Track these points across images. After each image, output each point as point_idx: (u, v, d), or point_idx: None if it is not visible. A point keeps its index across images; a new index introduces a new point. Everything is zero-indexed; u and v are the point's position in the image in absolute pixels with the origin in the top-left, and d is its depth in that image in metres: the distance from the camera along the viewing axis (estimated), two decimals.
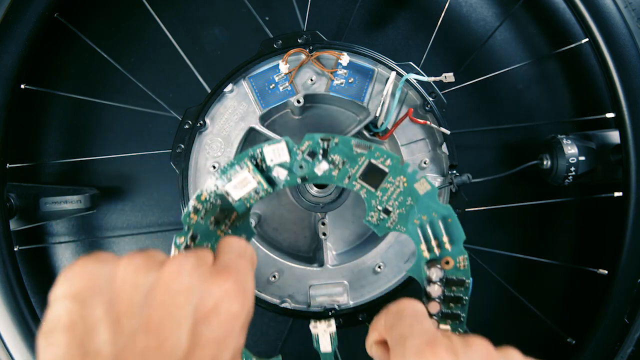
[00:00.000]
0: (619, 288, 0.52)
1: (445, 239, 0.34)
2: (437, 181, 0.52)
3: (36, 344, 0.23)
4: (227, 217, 0.34)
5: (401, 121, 0.51)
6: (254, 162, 0.34)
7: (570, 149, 0.55)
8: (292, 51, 0.50)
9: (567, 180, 0.56)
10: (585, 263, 0.57)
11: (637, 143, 0.52)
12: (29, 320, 0.50)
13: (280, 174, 0.34)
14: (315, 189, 0.51)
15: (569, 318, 0.64)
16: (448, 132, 0.50)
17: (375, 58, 0.51)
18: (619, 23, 0.53)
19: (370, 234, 0.55)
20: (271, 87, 0.51)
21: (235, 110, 0.51)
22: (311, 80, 0.51)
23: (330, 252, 0.53)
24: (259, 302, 0.50)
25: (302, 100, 0.51)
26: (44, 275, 0.63)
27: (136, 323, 0.23)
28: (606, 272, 0.54)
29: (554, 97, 0.66)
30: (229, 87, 0.50)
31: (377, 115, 0.51)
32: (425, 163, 0.52)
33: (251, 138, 0.54)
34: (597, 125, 0.61)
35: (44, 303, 0.62)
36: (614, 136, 0.56)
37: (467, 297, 0.34)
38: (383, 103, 0.51)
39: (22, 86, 0.53)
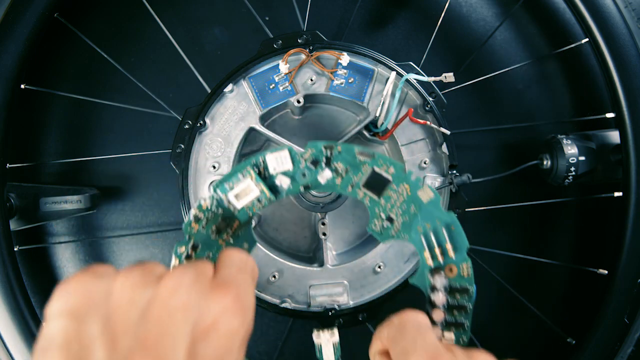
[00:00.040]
0: (619, 288, 0.52)
1: (448, 246, 0.34)
2: (437, 181, 0.52)
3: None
4: (228, 225, 0.33)
5: (401, 121, 0.51)
6: (257, 170, 0.33)
7: (570, 149, 0.55)
8: (292, 51, 0.50)
9: (567, 180, 0.56)
10: (585, 263, 0.57)
11: (637, 143, 0.52)
12: (29, 320, 0.50)
13: (283, 183, 0.34)
14: None
15: (569, 318, 0.64)
16: (448, 132, 0.50)
17: (375, 58, 0.51)
18: (619, 23, 0.53)
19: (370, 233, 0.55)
20: (271, 87, 0.51)
21: (235, 110, 0.51)
22: (311, 80, 0.51)
23: (330, 252, 0.53)
24: (259, 302, 0.50)
25: (302, 100, 0.51)
26: (44, 275, 0.63)
27: (133, 341, 0.23)
28: (606, 272, 0.54)
29: (554, 97, 0.66)
30: (229, 87, 0.50)
31: (377, 115, 0.51)
32: (425, 163, 0.52)
33: (251, 138, 0.54)
34: (597, 125, 0.61)
35: (44, 303, 0.62)
36: (614, 136, 0.56)
37: (471, 305, 0.34)
38: (383, 103, 0.51)
39: (22, 86, 0.53)
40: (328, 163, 0.33)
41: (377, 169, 0.33)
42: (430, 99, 0.51)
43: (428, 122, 0.51)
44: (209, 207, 0.33)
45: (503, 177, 0.56)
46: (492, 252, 0.60)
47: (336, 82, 0.51)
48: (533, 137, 0.64)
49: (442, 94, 0.52)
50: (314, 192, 0.51)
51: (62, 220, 0.62)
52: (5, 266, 0.50)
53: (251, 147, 0.55)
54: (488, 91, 0.65)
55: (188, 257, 0.32)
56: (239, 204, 0.33)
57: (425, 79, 0.51)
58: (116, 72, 0.60)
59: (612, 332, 0.52)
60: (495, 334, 0.64)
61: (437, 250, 0.34)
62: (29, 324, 0.50)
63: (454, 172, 0.51)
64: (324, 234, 0.52)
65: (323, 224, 0.53)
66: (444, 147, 0.51)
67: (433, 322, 0.34)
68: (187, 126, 0.51)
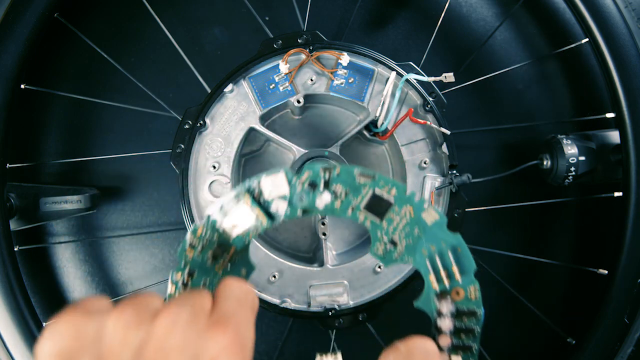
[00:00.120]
0: (619, 288, 0.52)
1: (455, 269, 0.32)
2: (437, 181, 0.52)
3: None
4: (225, 251, 0.32)
5: (401, 121, 0.51)
6: (252, 196, 0.32)
7: (570, 149, 0.55)
8: (292, 51, 0.50)
9: (567, 180, 0.56)
10: (585, 263, 0.57)
11: (637, 143, 0.52)
12: (29, 320, 0.50)
13: (280, 208, 0.32)
14: None
15: (569, 318, 0.64)
16: (448, 132, 0.50)
17: (375, 58, 0.51)
18: (619, 23, 0.53)
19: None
20: (271, 87, 0.51)
21: (235, 110, 0.51)
22: (311, 80, 0.51)
23: (330, 252, 0.53)
24: (259, 303, 0.50)
25: (302, 100, 0.51)
26: (44, 275, 0.63)
27: None
28: (606, 272, 0.54)
29: (554, 97, 0.66)
30: (229, 87, 0.50)
31: (377, 115, 0.51)
32: (425, 163, 0.52)
33: (251, 138, 0.54)
34: (597, 125, 0.61)
35: (44, 303, 0.62)
36: (614, 136, 0.56)
37: (479, 328, 0.33)
38: (383, 103, 0.51)
39: (22, 86, 0.53)
40: (327, 186, 0.32)
41: (378, 191, 0.32)
42: (430, 99, 0.51)
43: (428, 122, 0.51)
44: (204, 234, 0.31)
45: (503, 177, 0.56)
46: (492, 252, 0.60)
47: (336, 82, 0.51)
48: (533, 137, 0.64)
49: (442, 94, 0.52)
50: None
51: (62, 220, 0.62)
52: (5, 266, 0.50)
53: (251, 147, 0.55)
54: (488, 91, 0.65)
55: (185, 284, 0.31)
56: (234, 232, 0.32)
57: (425, 79, 0.51)
58: (116, 72, 0.60)
59: (612, 332, 0.52)
60: (495, 334, 0.64)
61: (443, 274, 0.33)
62: (29, 324, 0.50)
63: (454, 172, 0.51)
64: (324, 234, 0.52)
65: (323, 224, 0.53)
66: (444, 147, 0.51)
67: (440, 348, 0.33)
68: (187, 126, 0.51)
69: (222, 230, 0.32)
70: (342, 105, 0.54)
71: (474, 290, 0.33)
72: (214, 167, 0.51)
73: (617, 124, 0.54)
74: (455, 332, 0.33)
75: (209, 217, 0.31)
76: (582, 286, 0.65)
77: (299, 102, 0.51)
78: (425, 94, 0.51)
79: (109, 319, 0.24)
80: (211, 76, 0.59)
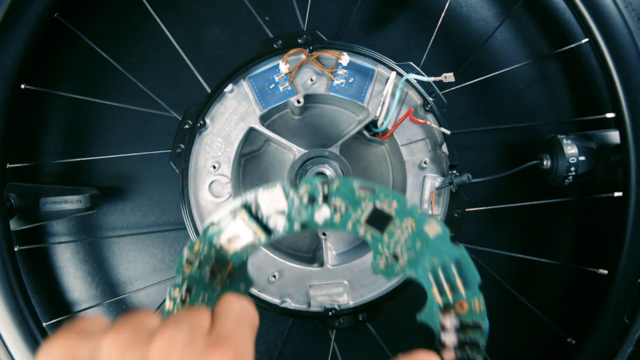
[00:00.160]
0: (619, 288, 0.52)
1: (458, 283, 0.32)
2: (437, 181, 0.52)
3: None
4: (223, 266, 0.31)
5: (401, 121, 0.51)
6: (249, 211, 0.31)
7: (570, 149, 0.55)
8: (292, 51, 0.50)
9: (567, 180, 0.56)
10: (585, 263, 0.57)
11: (637, 143, 0.52)
12: (29, 320, 0.50)
13: (278, 223, 0.31)
14: None
15: (569, 318, 0.64)
16: (448, 132, 0.50)
17: (375, 58, 0.51)
18: (619, 23, 0.53)
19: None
20: (271, 87, 0.51)
21: (235, 110, 0.51)
22: (311, 80, 0.51)
23: (330, 252, 0.53)
24: (259, 302, 0.50)
25: (302, 100, 0.51)
26: (44, 275, 0.63)
27: None
28: (606, 272, 0.54)
29: (554, 97, 0.66)
30: (229, 87, 0.50)
31: (377, 115, 0.51)
32: (425, 163, 0.52)
33: (251, 138, 0.54)
34: (597, 125, 0.61)
35: (43, 303, 0.62)
36: (614, 136, 0.56)
37: (483, 341, 0.33)
38: (383, 103, 0.51)
39: (22, 86, 0.53)
40: (325, 199, 0.31)
41: (378, 204, 0.31)
42: (430, 99, 0.51)
43: (428, 122, 0.51)
44: (200, 250, 0.31)
45: (503, 177, 0.56)
46: (492, 252, 0.60)
47: (336, 82, 0.51)
48: (533, 137, 0.64)
49: (442, 94, 0.52)
50: None
51: (62, 220, 0.62)
52: (5, 266, 0.50)
53: (251, 147, 0.55)
54: (488, 91, 0.65)
55: (182, 300, 0.30)
56: (231, 248, 0.31)
57: (425, 79, 0.51)
58: (116, 72, 0.60)
59: (612, 332, 0.52)
60: (495, 334, 0.63)
61: (447, 287, 0.32)
62: (29, 324, 0.50)
63: (454, 172, 0.51)
64: (324, 234, 0.52)
65: None
66: (444, 147, 0.51)
67: None
68: (187, 126, 0.51)
69: (219, 247, 0.31)
70: (342, 105, 0.54)
71: (478, 304, 0.32)
72: (214, 167, 0.51)
73: (617, 124, 0.54)
74: (460, 345, 0.33)
75: (205, 232, 0.31)
76: (582, 286, 0.65)
77: (299, 102, 0.51)
78: (425, 94, 0.51)
79: (105, 340, 0.23)
80: (211, 76, 0.59)
